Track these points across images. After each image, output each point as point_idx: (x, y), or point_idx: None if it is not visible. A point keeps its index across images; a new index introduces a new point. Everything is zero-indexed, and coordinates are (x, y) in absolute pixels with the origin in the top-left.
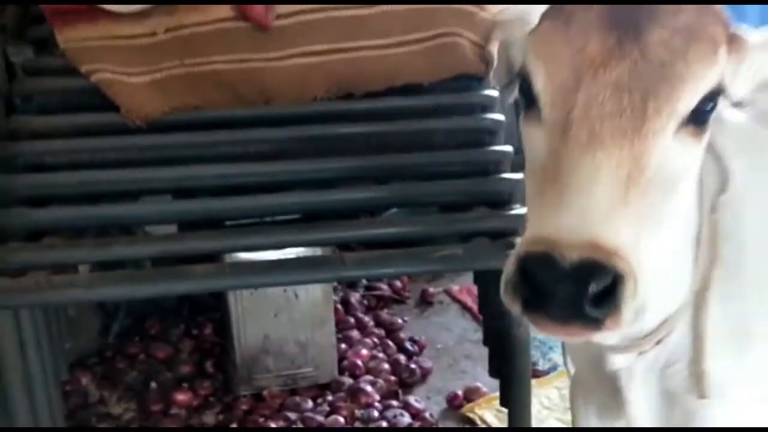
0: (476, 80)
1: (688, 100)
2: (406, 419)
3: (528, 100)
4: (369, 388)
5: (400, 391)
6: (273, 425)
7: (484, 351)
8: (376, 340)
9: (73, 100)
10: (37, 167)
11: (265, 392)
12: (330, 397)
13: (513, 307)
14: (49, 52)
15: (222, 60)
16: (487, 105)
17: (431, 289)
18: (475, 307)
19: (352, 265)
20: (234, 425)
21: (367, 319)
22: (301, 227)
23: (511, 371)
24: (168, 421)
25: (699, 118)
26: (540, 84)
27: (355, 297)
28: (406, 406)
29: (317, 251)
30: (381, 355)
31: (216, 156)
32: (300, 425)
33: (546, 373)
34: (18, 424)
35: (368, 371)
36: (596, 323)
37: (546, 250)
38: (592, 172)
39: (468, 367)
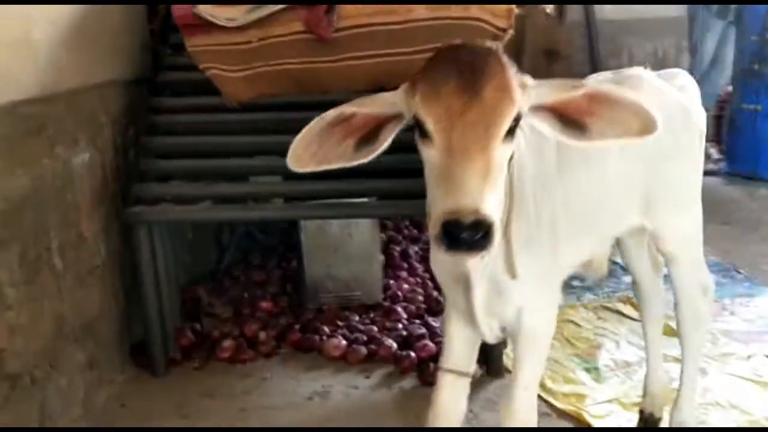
0: None
1: (505, 126)
2: (421, 331)
3: (422, 133)
4: (400, 309)
5: (425, 315)
6: (327, 329)
7: None
8: (418, 279)
9: (195, 87)
10: (169, 132)
11: (325, 307)
12: (372, 315)
13: (440, 248)
14: (181, 53)
15: (294, 62)
16: None
17: None
18: None
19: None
20: (297, 326)
21: (417, 264)
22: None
23: None
24: (253, 321)
25: (510, 131)
26: (430, 126)
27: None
28: (426, 325)
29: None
30: (419, 289)
31: (285, 129)
32: (346, 332)
33: None
34: (149, 317)
35: (405, 299)
36: (482, 250)
37: (455, 217)
38: (468, 172)
39: None
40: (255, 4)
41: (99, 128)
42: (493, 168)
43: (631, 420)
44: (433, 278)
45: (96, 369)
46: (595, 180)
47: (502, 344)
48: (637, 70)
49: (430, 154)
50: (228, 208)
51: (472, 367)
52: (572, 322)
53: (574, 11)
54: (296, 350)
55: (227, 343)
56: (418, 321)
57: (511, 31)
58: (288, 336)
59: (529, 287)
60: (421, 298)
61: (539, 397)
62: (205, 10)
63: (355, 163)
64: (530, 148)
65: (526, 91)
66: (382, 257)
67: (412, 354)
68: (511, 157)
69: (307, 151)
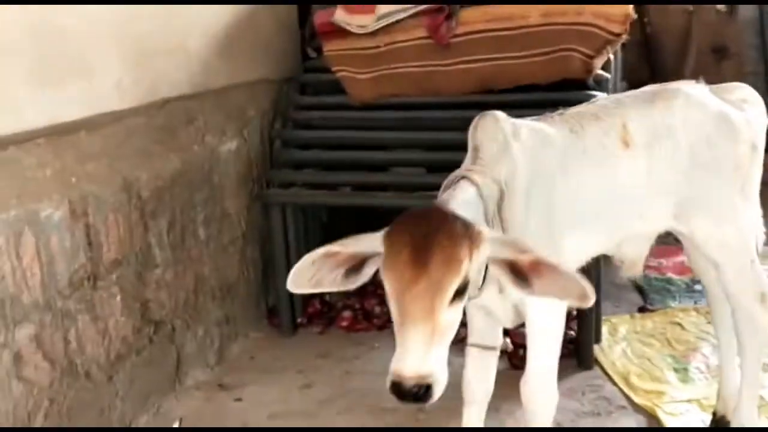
0: (580, 83)
1: (449, 295)
2: None
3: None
4: None
5: None
6: None
7: None
8: None
9: (333, 86)
10: (307, 126)
11: None
12: None
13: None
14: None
15: (414, 65)
16: (584, 101)
17: None
18: None
19: None
20: None
21: None
22: None
23: None
24: (372, 297)
25: (460, 293)
26: (387, 288)
27: None
28: None
29: None
30: None
31: (404, 126)
32: None
33: (652, 310)
34: (280, 286)
35: None
36: (425, 401)
37: (398, 380)
38: (414, 336)
39: None
40: (384, 12)
41: (247, 121)
42: (438, 330)
43: (705, 421)
44: None
45: (232, 325)
46: (603, 181)
47: (593, 337)
48: (681, 84)
49: (391, 307)
50: (356, 195)
51: (498, 341)
52: (679, 324)
53: (747, 7)
54: None
55: (347, 313)
56: None
57: (625, 36)
58: None
59: None
60: None
61: (620, 390)
62: (341, 18)
63: (344, 289)
64: (525, 153)
65: (482, 246)
66: None
67: (507, 340)
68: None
69: (303, 277)
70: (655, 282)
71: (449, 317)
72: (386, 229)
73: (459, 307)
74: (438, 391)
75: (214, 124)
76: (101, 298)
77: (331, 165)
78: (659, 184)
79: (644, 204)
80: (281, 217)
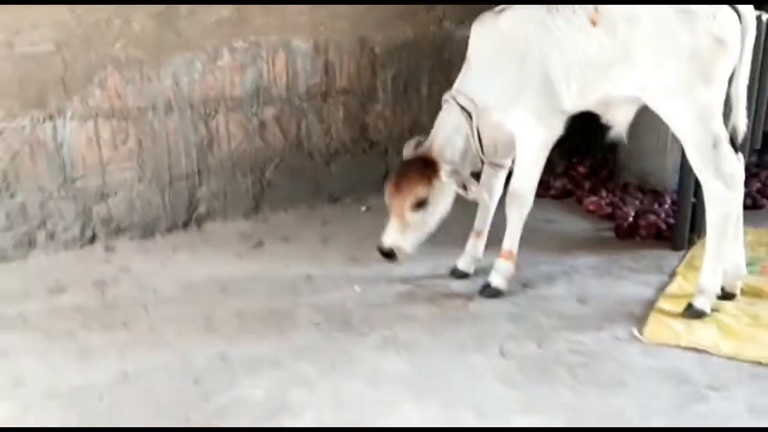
0: None
1: (410, 206)
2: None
3: None
4: (668, 197)
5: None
6: (603, 194)
7: None
8: None
9: None
10: None
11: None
12: (647, 196)
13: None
14: None
15: None
16: None
17: None
18: None
19: None
20: (605, 192)
21: None
22: None
23: None
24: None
25: (420, 204)
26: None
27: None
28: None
29: None
30: None
31: None
32: (616, 200)
33: None
34: None
35: None
36: (393, 261)
37: (379, 246)
38: (392, 223)
39: None
40: None
41: None
42: (406, 223)
43: None
44: None
45: None
46: (570, 49)
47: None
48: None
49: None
50: None
51: (507, 161)
52: None
53: None
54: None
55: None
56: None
57: None
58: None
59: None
60: None
61: None
62: None
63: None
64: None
65: (440, 174)
66: None
67: (630, 219)
68: None
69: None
70: None
71: (415, 218)
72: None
73: (423, 212)
74: (401, 256)
75: (453, 13)
76: (329, 109)
77: None
78: (622, 55)
79: (610, 70)
80: None
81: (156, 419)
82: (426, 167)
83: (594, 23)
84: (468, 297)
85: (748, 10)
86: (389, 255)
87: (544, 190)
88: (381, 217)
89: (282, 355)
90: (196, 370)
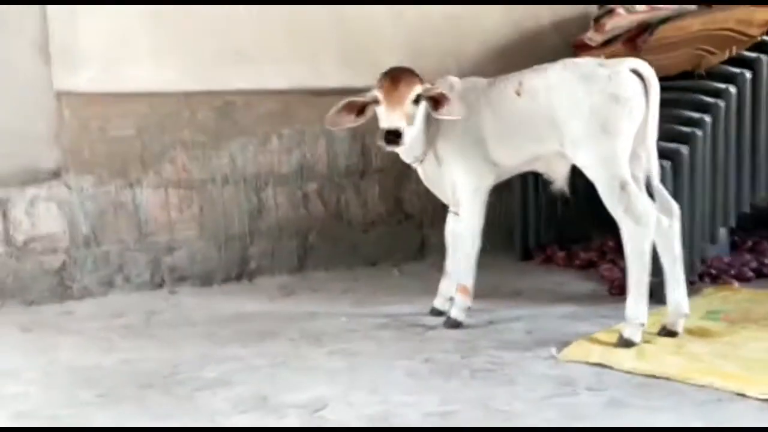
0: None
1: (408, 100)
2: None
3: (376, 102)
4: None
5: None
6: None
7: None
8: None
9: None
10: None
11: None
12: None
13: (380, 143)
14: None
15: None
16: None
17: None
18: None
19: None
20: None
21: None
22: None
23: None
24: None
25: (416, 101)
26: (380, 97)
27: None
28: None
29: None
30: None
31: None
32: None
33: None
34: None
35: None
36: (398, 143)
37: (383, 129)
38: (392, 111)
39: None
40: (609, 29)
41: None
42: (405, 113)
43: None
44: None
45: None
46: (502, 116)
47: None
48: (564, 62)
49: (378, 109)
50: None
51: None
52: None
53: None
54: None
55: (561, 254)
56: None
57: (759, 38)
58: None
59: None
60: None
61: None
62: (588, 35)
63: (355, 125)
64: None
65: (422, 85)
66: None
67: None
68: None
69: (335, 119)
70: None
71: (411, 110)
72: (379, 78)
73: (415, 108)
74: (405, 138)
75: None
76: (365, 185)
77: None
78: (543, 120)
79: (536, 132)
80: None
81: (133, 382)
82: (414, 73)
83: (518, 94)
84: (431, 327)
85: (647, 69)
86: (396, 134)
87: (569, 260)
88: (410, 280)
89: (250, 356)
90: (178, 361)
